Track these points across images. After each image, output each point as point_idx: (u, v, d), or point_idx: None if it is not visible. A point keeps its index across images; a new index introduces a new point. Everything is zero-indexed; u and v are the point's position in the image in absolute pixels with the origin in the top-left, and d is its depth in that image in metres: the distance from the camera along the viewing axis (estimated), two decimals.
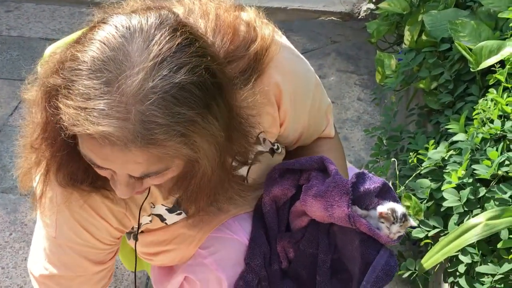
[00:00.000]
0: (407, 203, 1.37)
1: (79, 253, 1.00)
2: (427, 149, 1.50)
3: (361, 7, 3.32)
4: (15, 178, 0.99)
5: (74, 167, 0.88)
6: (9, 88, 2.62)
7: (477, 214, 1.26)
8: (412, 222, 1.04)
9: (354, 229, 1.02)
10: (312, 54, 2.92)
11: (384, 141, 1.76)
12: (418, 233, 1.36)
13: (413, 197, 1.36)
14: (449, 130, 1.49)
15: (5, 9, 3.25)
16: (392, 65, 1.85)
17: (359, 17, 3.26)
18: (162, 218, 1.07)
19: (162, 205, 1.05)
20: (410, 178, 1.45)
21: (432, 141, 1.48)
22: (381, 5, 2.02)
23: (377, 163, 1.76)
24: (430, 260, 1.25)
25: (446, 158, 1.42)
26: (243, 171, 1.05)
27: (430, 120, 1.69)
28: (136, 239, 1.11)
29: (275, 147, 1.11)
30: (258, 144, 1.04)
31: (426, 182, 1.41)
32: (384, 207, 1.02)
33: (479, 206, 1.28)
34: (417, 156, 1.47)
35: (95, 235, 0.99)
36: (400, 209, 1.03)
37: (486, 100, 1.42)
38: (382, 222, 1.02)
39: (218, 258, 1.04)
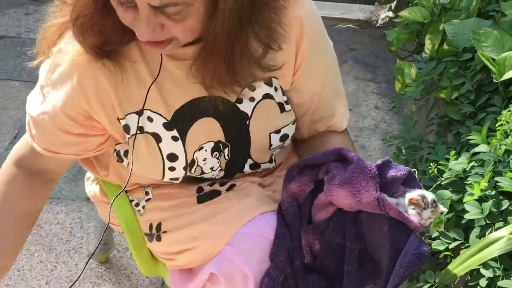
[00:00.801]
0: None
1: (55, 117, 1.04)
2: (447, 159, 1.48)
3: (379, 15, 3.31)
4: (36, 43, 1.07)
5: (97, 23, 0.90)
6: (29, 91, 2.63)
7: (499, 228, 1.23)
8: (442, 207, 1.03)
9: (383, 215, 1.01)
10: None
11: (403, 151, 1.74)
12: (438, 245, 1.34)
13: None
14: (470, 141, 1.47)
15: (24, 12, 3.27)
16: (412, 74, 1.83)
17: (377, 25, 3.25)
18: (158, 138, 1.03)
19: (160, 115, 1.02)
20: (431, 189, 1.43)
21: (453, 152, 1.45)
22: (401, 13, 2.00)
23: None
24: (451, 273, 1.23)
25: (467, 169, 1.40)
26: (247, 108, 1.06)
27: (451, 130, 1.67)
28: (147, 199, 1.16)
29: (285, 101, 1.09)
30: (269, 86, 1.05)
31: (447, 193, 1.39)
32: (414, 193, 1.02)
33: (501, 219, 1.26)
34: (438, 167, 1.45)
35: (67, 101, 1.00)
36: (429, 195, 1.03)
37: (509, 111, 1.40)
38: (413, 209, 1.00)
39: (244, 254, 1.03)
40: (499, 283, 1.16)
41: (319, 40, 1.06)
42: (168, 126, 1.03)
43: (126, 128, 1.03)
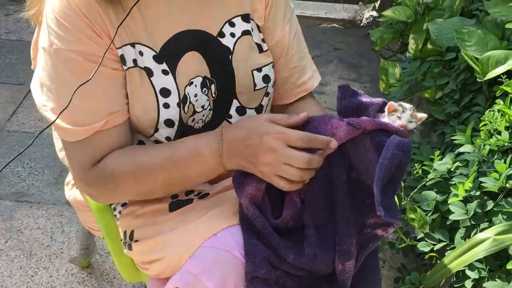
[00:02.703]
0: (412, 216, 1.34)
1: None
2: (432, 160, 1.47)
3: (363, 15, 3.30)
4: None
5: None
6: (8, 93, 2.59)
7: (484, 228, 1.23)
8: (422, 114, 1.03)
9: (364, 135, 0.99)
10: (314, 61, 2.89)
11: None
12: (423, 247, 1.33)
13: (418, 209, 1.33)
14: (455, 141, 1.46)
15: (4, 13, 3.22)
16: (396, 73, 1.82)
17: (361, 24, 3.25)
18: (149, 72, 1.05)
19: (150, 48, 1.05)
20: (415, 190, 1.42)
21: (437, 152, 1.45)
22: (385, 13, 2.00)
23: None
24: (436, 275, 1.22)
25: (452, 169, 1.39)
26: (229, 43, 1.12)
27: (435, 130, 1.66)
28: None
29: (262, 39, 1.17)
30: (246, 22, 1.14)
31: (432, 194, 1.38)
32: (392, 104, 1.03)
33: (486, 220, 1.25)
34: (422, 167, 1.44)
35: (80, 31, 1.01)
36: (408, 104, 1.04)
37: (493, 111, 1.39)
38: (392, 115, 1.01)
39: (208, 270, 1.00)
40: (485, 284, 1.15)
41: None
42: (157, 59, 1.06)
43: (123, 59, 1.05)
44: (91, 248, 1.72)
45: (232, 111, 1.15)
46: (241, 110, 1.14)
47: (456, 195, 1.29)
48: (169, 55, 1.07)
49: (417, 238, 1.40)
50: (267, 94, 1.18)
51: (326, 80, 2.75)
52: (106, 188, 1.07)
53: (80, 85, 0.99)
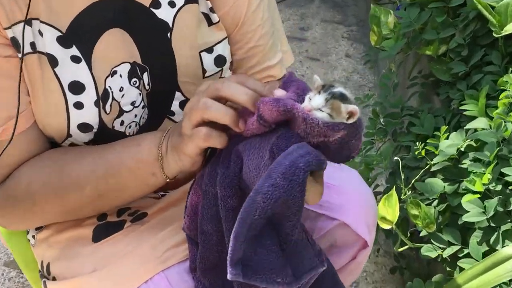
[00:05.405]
0: (415, 211, 1.09)
1: None
2: (436, 137, 1.20)
3: None
4: None
5: None
6: None
7: (507, 231, 0.98)
8: (352, 106, 0.62)
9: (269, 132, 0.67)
10: (294, 1, 2.56)
11: (381, 120, 1.45)
12: (428, 251, 1.08)
13: (422, 204, 1.07)
14: (465, 112, 1.19)
15: None
16: (389, 23, 1.51)
17: None
18: (53, 61, 0.77)
19: (52, 27, 0.76)
20: (417, 176, 1.15)
21: (444, 128, 1.17)
22: None
23: (372, 145, 1.46)
24: None
25: (462, 149, 1.13)
26: (167, 16, 0.82)
27: (438, 93, 1.38)
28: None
29: (210, 9, 0.85)
30: None
31: (438, 183, 1.12)
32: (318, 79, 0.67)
33: (510, 220, 1.00)
34: (425, 146, 1.17)
35: None
36: (340, 88, 0.65)
37: None
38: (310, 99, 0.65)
39: None
40: None
41: None
42: (64, 41, 0.77)
43: (15, 43, 0.76)
44: None
45: (175, 106, 0.87)
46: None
47: (473, 192, 1.02)
48: (81, 35, 0.79)
49: (420, 235, 1.15)
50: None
51: (307, 23, 2.43)
52: (20, 210, 0.83)
53: None
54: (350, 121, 0.62)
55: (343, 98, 0.63)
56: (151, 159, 0.76)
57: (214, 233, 0.72)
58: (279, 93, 0.66)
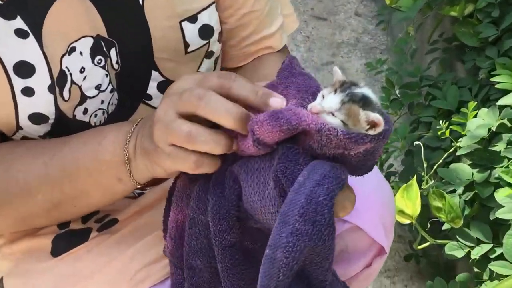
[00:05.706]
0: (437, 203, 0.93)
1: None
2: (460, 111, 1.04)
3: None
4: None
5: None
6: None
7: None
8: (375, 115, 0.46)
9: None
10: None
11: (397, 91, 1.29)
12: (453, 249, 0.93)
13: (447, 196, 0.92)
14: (496, 85, 1.02)
15: None
16: None
17: None
18: None
19: None
20: (439, 162, 1.00)
21: (472, 104, 1.01)
22: None
23: None
24: None
25: (494, 129, 0.97)
26: None
27: (463, 61, 1.21)
28: None
29: None
30: None
31: (466, 170, 0.96)
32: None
33: None
34: (450, 126, 1.01)
35: None
36: (363, 89, 0.49)
37: None
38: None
39: None
40: None
41: None
42: (4, 10, 0.62)
43: None
44: None
45: (152, 89, 0.71)
46: (166, 85, 0.69)
47: (502, 180, 0.87)
48: (26, 2, 0.62)
49: (442, 228, 1.00)
50: (209, 55, 0.73)
51: None
52: None
53: None
54: (371, 132, 0.46)
55: (365, 102, 0.47)
56: (116, 161, 0.60)
57: (205, 269, 0.57)
58: (277, 103, 0.50)
